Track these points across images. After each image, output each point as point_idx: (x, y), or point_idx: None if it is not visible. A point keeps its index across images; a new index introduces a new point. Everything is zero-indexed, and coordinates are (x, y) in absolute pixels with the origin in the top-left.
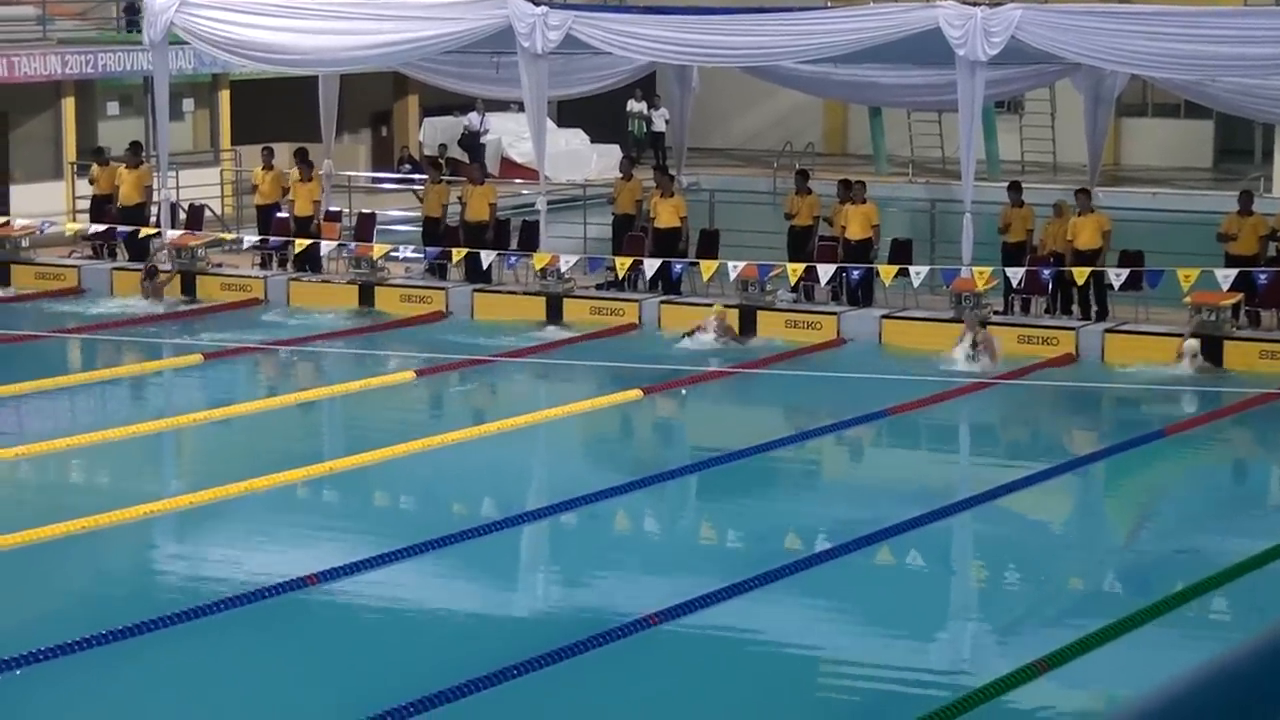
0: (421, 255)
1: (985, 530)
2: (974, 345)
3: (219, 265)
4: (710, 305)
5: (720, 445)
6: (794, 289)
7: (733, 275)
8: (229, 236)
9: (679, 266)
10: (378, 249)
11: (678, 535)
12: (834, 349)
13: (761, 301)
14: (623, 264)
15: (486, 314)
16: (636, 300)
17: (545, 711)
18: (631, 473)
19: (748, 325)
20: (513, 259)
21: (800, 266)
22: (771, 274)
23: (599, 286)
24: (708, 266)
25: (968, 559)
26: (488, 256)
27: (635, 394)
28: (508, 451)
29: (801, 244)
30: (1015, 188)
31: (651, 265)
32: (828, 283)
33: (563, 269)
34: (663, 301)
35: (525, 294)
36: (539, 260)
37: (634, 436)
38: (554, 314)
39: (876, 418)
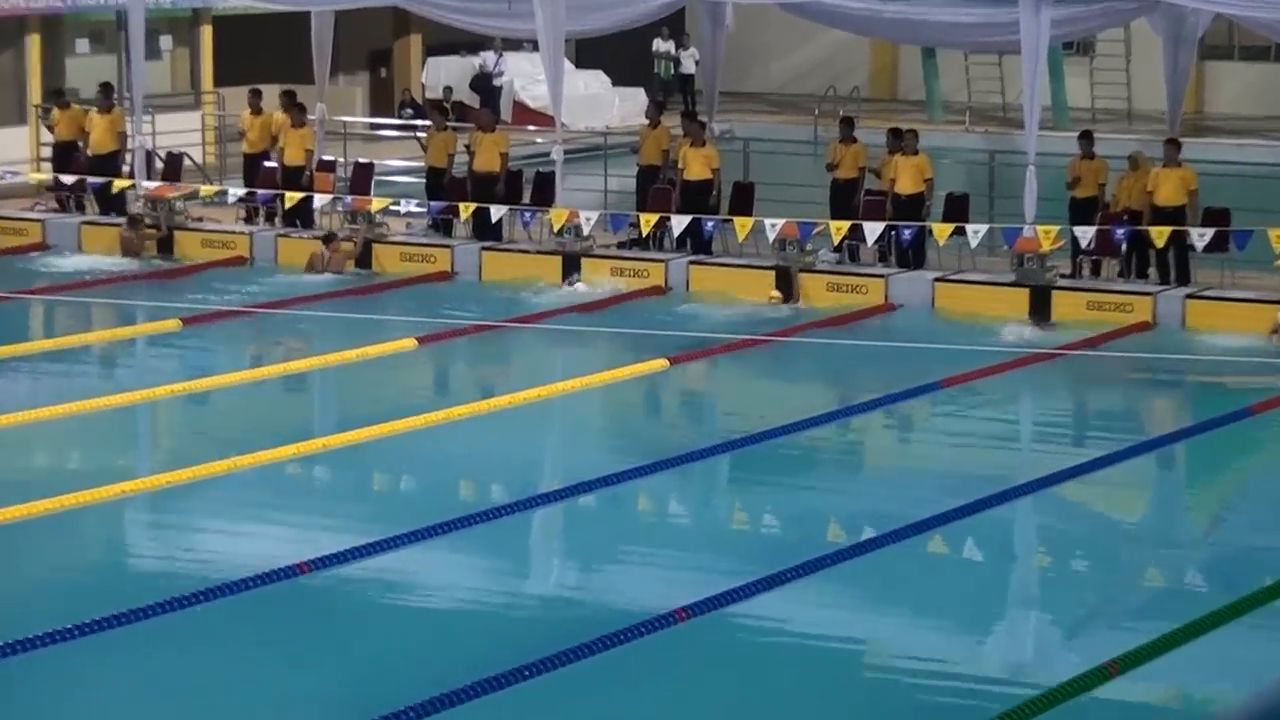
0: (424, 210)
1: (1049, 519)
2: None
3: (200, 220)
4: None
5: (754, 421)
6: (837, 249)
7: (770, 234)
8: (211, 189)
9: (710, 224)
10: (376, 202)
11: (708, 522)
12: (881, 315)
13: (801, 262)
14: (647, 220)
15: (496, 274)
16: (662, 260)
17: (561, 717)
18: (657, 452)
19: (785, 289)
20: (526, 214)
21: (844, 224)
22: (813, 232)
23: (621, 245)
24: (742, 224)
25: (1030, 550)
26: (498, 211)
27: (661, 364)
28: (520, 428)
29: (846, 199)
30: (1086, 137)
31: (680, 222)
32: (875, 242)
33: (581, 226)
34: (692, 262)
35: (539, 253)
36: (555, 216)
37: (660, 412)
38: (572, 275)
39: (928, 391)
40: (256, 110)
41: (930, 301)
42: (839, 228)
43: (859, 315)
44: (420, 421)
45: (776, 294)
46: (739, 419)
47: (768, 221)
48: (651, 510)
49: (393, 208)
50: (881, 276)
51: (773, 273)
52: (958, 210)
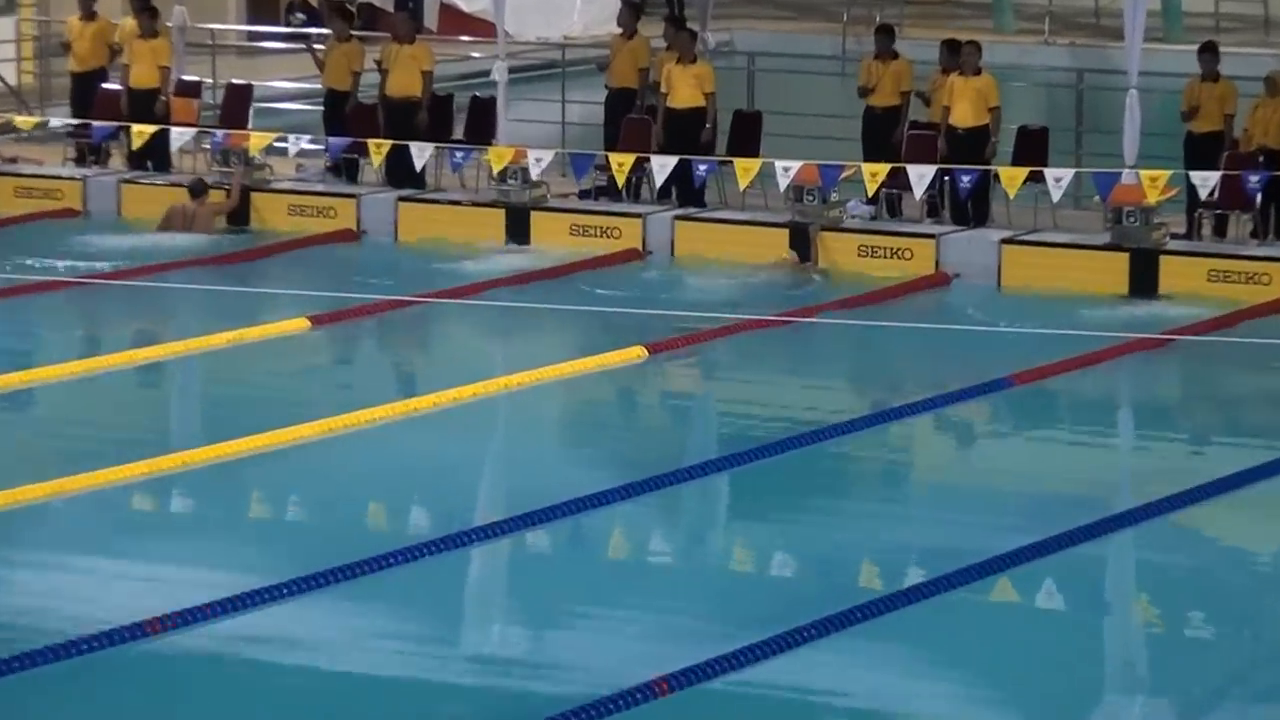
0: (321, 148)
1: (1158, 560)
2: None
3: (13, 160)
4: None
5: (760, 429)
6: (872, 200)
7: (782, 180)
8: (29, 120)
9: (703, 167)
10: (255, 138)
11: (699, 563)
12: (932, 289)
13: (825, 218)
14: (620, 163)
15: (417, 234)
16: (639, 215)
17: None
18: (632, 470)
19: (803, 252)
20: (458, 154)
21: (882, 168)
22: (840, 178)
23: (585, 195)
24: (745, 167)
25: (1131, 602)
26: (420, 151)
27: (637, 353)
28: (449, 439)
29: (884, 134)
30: (1208, 52)
31: (663, 165)
32: (923, 192)
33: (531, 169)
34: (679, 218)
35: (475, 205)
36: (496, 156)
37: (636, 417)
38: (519, 234)
39: (994, 390)
40: (89, 14)
41: (996, 271)
42: (874, 172)
43: (901, 289)
44: (314, 430)
45: (790, 255)
46: (740, 426)
47: (779, 164)
48: (625, 548)
49: (278, 145)
50: (931, 237)
51: (785, 232)
52: (1033, 149)
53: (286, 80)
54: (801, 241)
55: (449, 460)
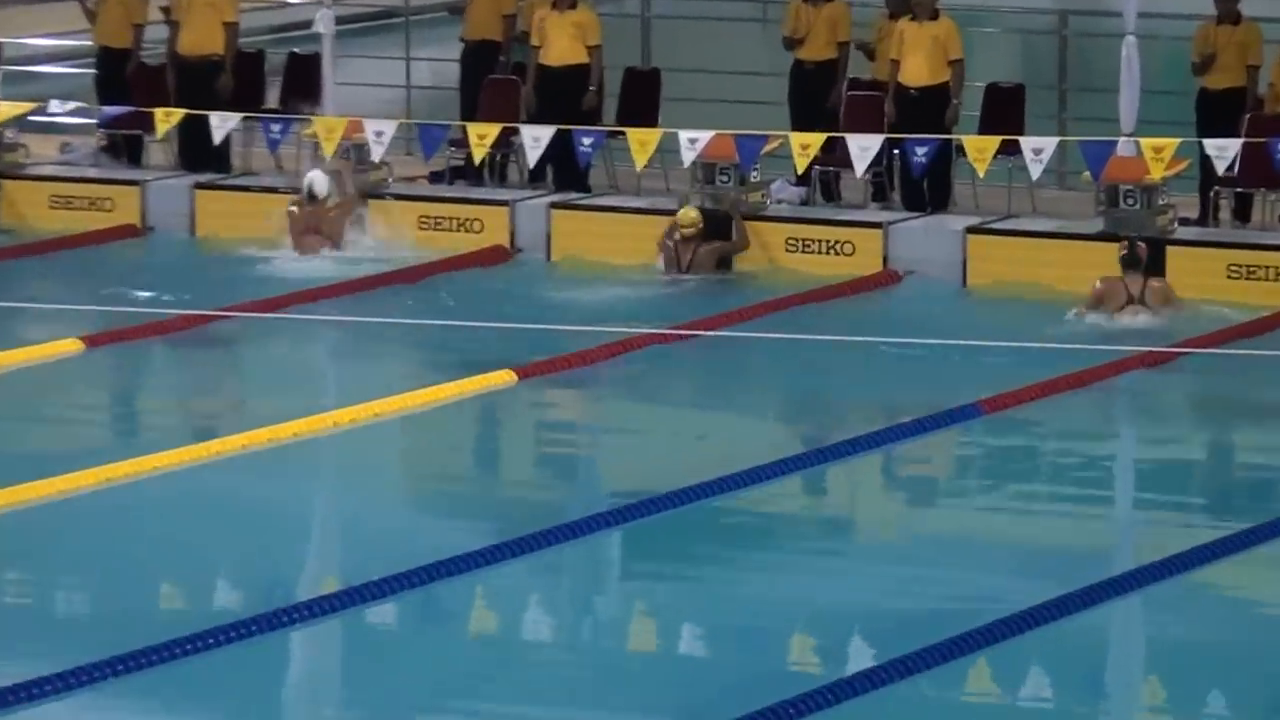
0: (93, 120)
1: (1166, 626)
2: (1131, 301)
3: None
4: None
5: (661, 474)
6: (803, 180)
7: (687, 155)
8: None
9: (587, 140)
10: (3, 109)
11: (583, 643)
12: (878, 289)
13: (744, 205)
14: (481, 136)
15: (219, 229)
16: (506, 203)
17: None
18: (498, 527)
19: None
20: (273, 128)
21: (816, 138)
22: (762, 151)
23: (435, 178)
24: (641, 140)
25: (1134, 676)
26: (222, 123)
27: (504, 378)
28: (265, 489)
29: (817, 95)
30: None
31: (536, 138)
32: (868, 168)
33: (368, 145)
34: (556, 205)
35: (295, 194)
36: (324, 129)
37: (504, 459)
38: (353, 229)
39: (956, 420)
40: None
41: (960, 267)
42: (805, 144)
43: (839, 290)
44: (90, 479)
45: (689, 221)
46: (634, 470)
47: (684, 135)
48: (489, 626)
49: (36, 118)
50: (878, 226)
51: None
52: (1006, 113)
53: (46, 36)
54: (714, 225)
55: (263, 519)
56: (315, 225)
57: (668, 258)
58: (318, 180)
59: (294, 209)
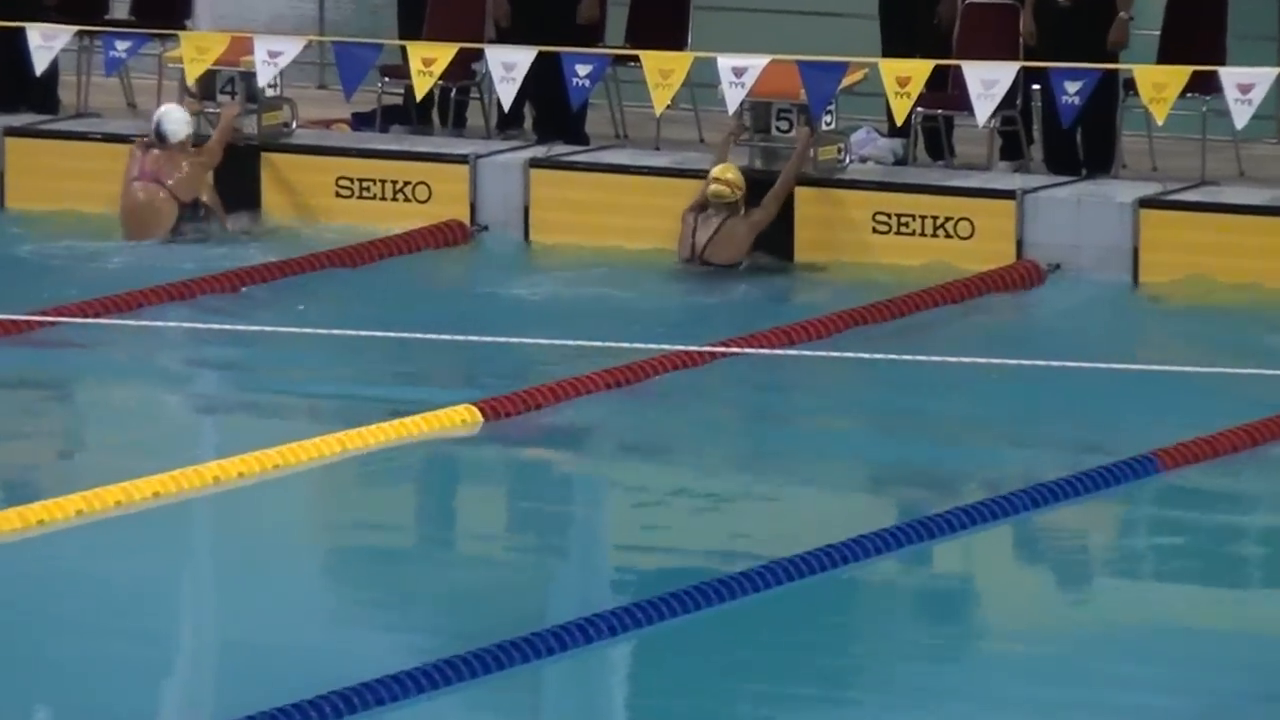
0: None
1: None
2: None
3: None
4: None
5: (689, 557)
6: (900, 130)
7: (732, 95)
8: None
9: (584, 69)
10: None
11: None
12: (1009, 290)
13: (815, 163)
14: (427, 61)
15: (43, 196)
16: (464, 159)
17: None
18: (455, 635)
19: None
20: (117, 46)
21: (917, 70)
22: (840, 88)
23: (361, 122)
24: (663, 67)
25: None
26: (46, 40)
27: (462, 416)
28: (116, 572)
29: (920, 6)
30: None
31: (508, 66)
32: (993, 113)
33: (260, 75)
34: (536, 164)
35: (148, 142)
36: (195, 50)
37: (462, 534)
38: (238, 196)
39: (1121, 480)
40: None
41: (1130, 256)
42: (902, 77)
43: (951, 291)
44: None
45: (726, 183)
46: (651, 552)
47: (725, 63)
48: None
49: None
50: (1009, 196)
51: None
52: (1197, 33)
53: None
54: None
55: (101, 624)
56: (155, 174)
57: (683, 238)
58: (170, 117)
59: (136, 150)
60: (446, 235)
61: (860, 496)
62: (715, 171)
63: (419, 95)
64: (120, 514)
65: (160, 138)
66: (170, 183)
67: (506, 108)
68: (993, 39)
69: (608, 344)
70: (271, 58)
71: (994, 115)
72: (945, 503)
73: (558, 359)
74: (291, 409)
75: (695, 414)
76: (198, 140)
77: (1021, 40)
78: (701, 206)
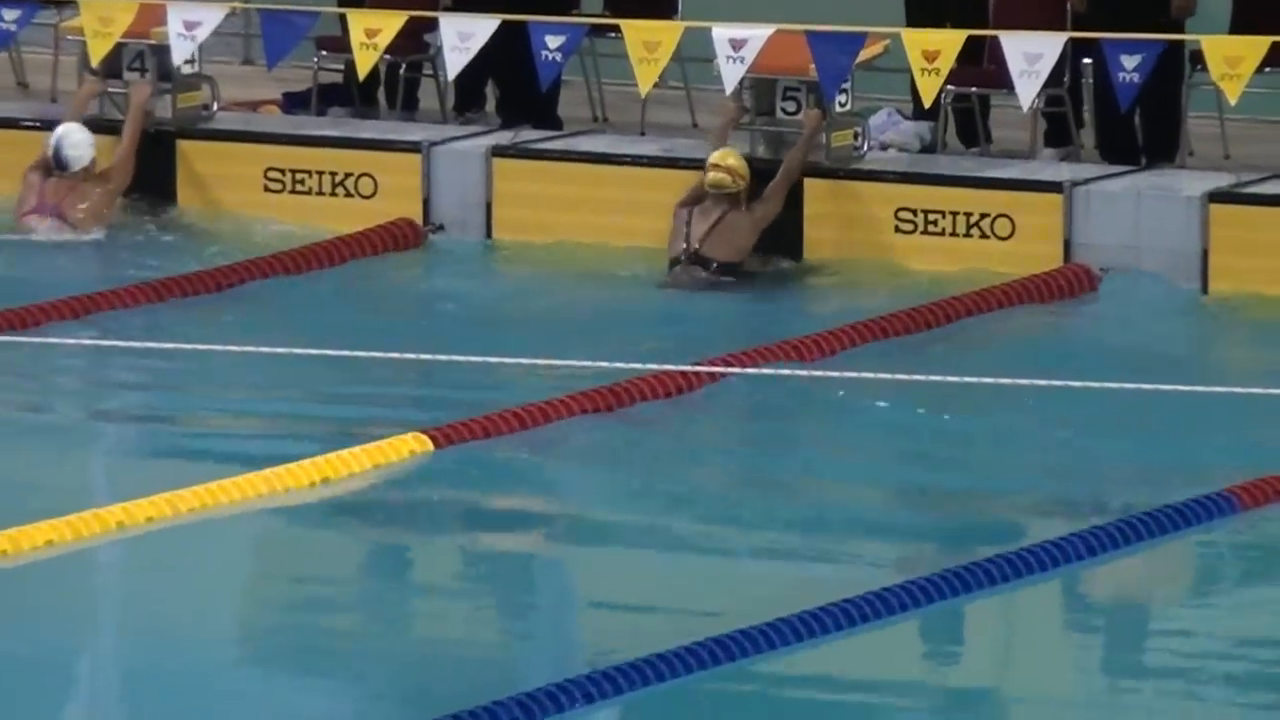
0: None
1: None
2: None
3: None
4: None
5: (682, 618)
6: (928, 112)
7: (729, 71)
8: None
9: (555, 40)
10: None
11: None
12: (1056, 299)
13: (830, 151)
14: (370, 31)
15: None
16: (415, 148)
17: None
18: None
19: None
20: (7, 15)
21: (947, 41)
22: (857, 62)
23: (292, 103)
24: (647, 38)
25: None
26: None
27: (410, 445)
28: (13, 629)
29: None
30: None
31: (465, 36)
32: (1038, 93)
33: (174, 51)
34: (500, 151)
35: (44, 128)
36: (97, 21)
37: (410, 588)
38: (152, 188)
39: (1202, 519)
40: None
41: (1198, 260)
42: (930, 49)
43: (988, 299)
44: None
45: (725, 169)
46: (636, 601)
47: (721, 33)
48: None
49: None
50: (1056, 189)
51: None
52: (1276, 5)
53: None
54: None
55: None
56: (56, 208)
57: (675, 234)
58: (71, 141)
59: (32, 176)
60: (395, 236)
61: (882, 542)
62: (714, 157)
63: (362, 72)
64: (3, 567)
65: (60, 165)
66: (74, 217)
67: (451, 80)
68: (1037, 5)
69: (584, 363)
70: (188, 29)
71: (1039, 94)
72: (983, 549)
73: (525, 380)
74: (211, 441)
75: (685, 443)
76: (103, 126)
77: (1070, 6)
78: (697, 200)
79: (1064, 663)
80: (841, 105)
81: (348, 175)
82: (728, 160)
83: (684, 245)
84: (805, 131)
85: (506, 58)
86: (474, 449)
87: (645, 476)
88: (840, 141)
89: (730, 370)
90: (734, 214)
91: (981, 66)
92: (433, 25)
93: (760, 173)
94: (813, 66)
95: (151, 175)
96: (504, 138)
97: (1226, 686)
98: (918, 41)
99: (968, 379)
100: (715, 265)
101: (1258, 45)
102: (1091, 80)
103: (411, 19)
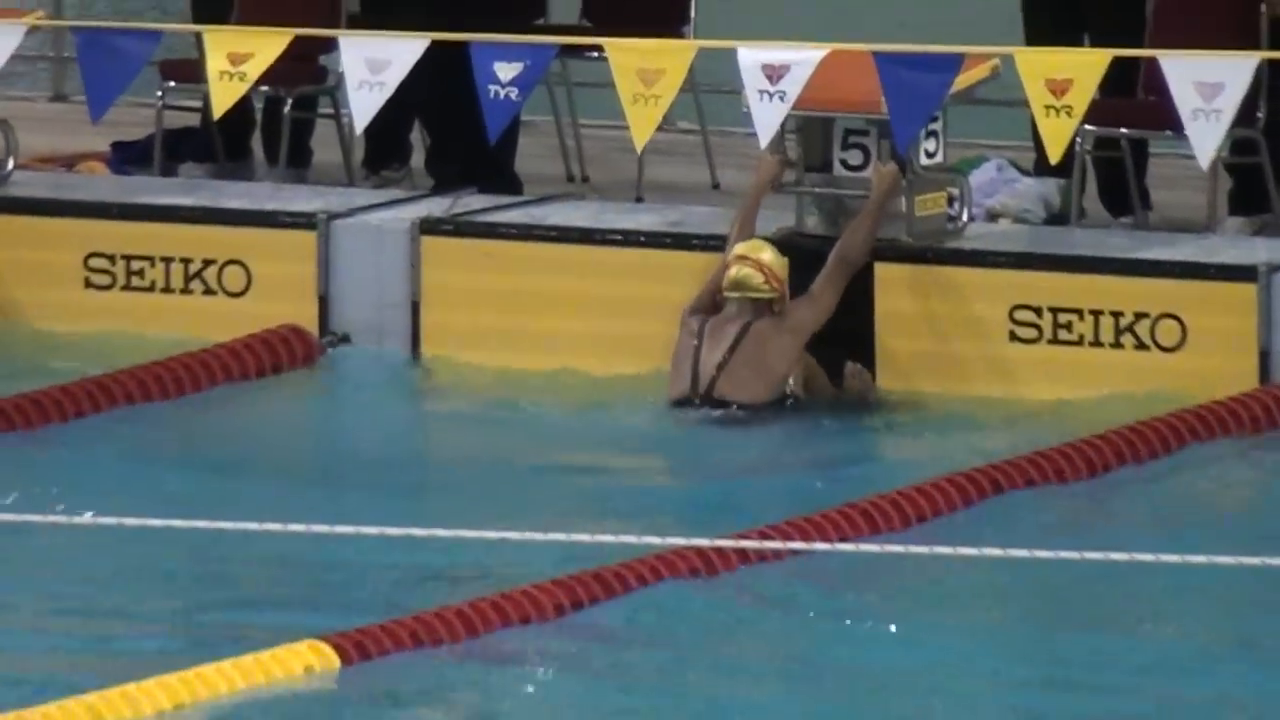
0: None
1: None
2: None
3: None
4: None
5: None
6: (1057, 168)
7: (764, 113)
8: None
9: (508, 70)
10: None
11: None
12: (1243, 434)
13: (908, 229)
14: (235, 57)
15: None
16: (307, 224)
17: None
18: None
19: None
20: None
21: (1085, 63)
22: (950, 91)
23: (124, 157)
24: (641, 59)
25: None
26: None
27: (309, 657)
28: None
29: None
30: None
31: (365, 58)
32: (1219, 142)
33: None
34: (430, 227)
35: None
36: None
37: None
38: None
39: None
40: None
41: None
42: (1058, 80)
43: (1147, 437)
44: None
45: (753, 265)
46: None
47: (750, 56)
48: None
49: None
50: (1248, 277)
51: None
52: None
53: None
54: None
55: None
56: None
57: (680, 358)
58: None
59: None
60: (277, 352)
61: None
62: (742, 248)
63: (218, 110)
64: None
65: None
66: None
67: (360, 126)
68: (1215, 15)
69: (549, 536)
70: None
71: (1221, 145)
72: None
73: (464, 564)
74: (35, 648)
75: (695, 660)
76: None
77: (1265, 16)
78: (714, 306)
79: None
80: (929, 155)
81: (207, 263)
82: (761, 255)
83: (690, 381)
84: (875, 194)
85: (439, 91)
86: (394, 664)
87: (629, 700)
88: (927, 209)
89: (768, 545)
90: (764, 326)
91: (1135, 99)
92: (332, 45)
93: (809, 256)
94: (884, 100)
95: None
96: (437, 207)
97: None
98: (1040, 64)
99: (1139, 556)
100: (736, 408)
101: None
102: None
103: (298, 39)
